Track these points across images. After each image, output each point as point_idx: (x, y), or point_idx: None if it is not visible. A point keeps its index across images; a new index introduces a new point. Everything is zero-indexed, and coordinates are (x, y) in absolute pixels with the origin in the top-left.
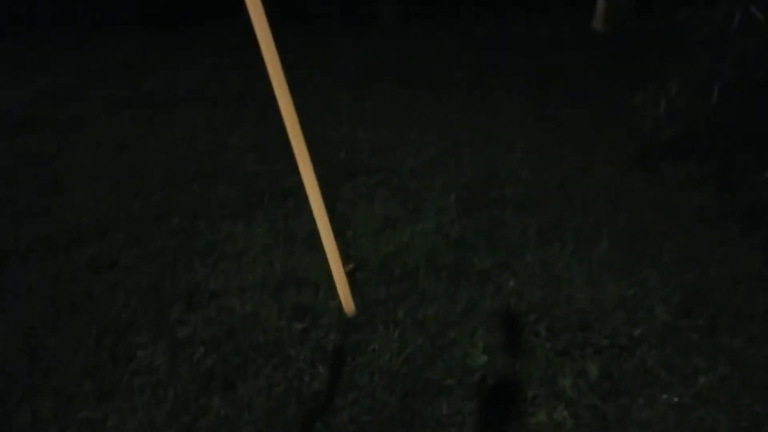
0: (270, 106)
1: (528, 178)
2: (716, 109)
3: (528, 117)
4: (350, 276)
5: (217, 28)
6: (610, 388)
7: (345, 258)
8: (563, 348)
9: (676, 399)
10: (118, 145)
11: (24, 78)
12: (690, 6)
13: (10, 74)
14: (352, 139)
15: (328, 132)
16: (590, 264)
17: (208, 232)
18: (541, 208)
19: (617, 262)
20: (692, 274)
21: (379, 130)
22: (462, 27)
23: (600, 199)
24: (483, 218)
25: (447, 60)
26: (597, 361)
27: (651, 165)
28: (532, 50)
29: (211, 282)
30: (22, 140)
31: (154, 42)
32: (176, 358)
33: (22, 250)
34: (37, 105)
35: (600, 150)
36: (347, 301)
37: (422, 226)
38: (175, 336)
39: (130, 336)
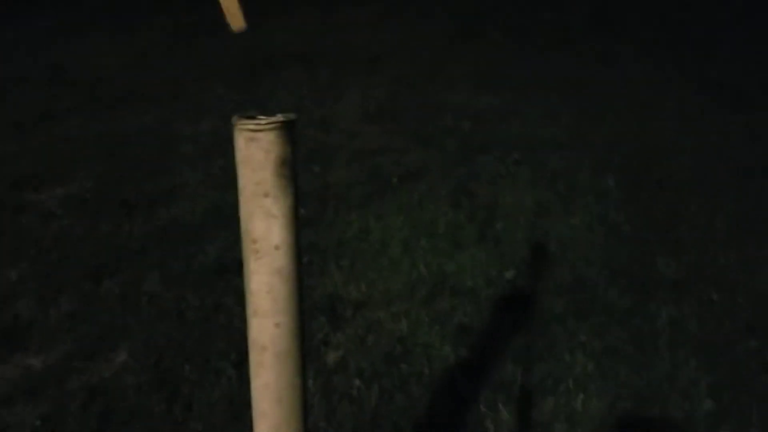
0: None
1: (695, 154)
2: None
3: (673, 74)
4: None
5: None
6: None
7: (501, 262)
8: None
9: None
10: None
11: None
12: None
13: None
14: (474, 105)
15: (443, 97)
16: None
17: (336, 223)
18: (723, 192)
19: None
20: None
21: (501, 93)
22: None
23: None
24: (654, 207)
25: (554, 4)
26: None
27: None
28: None
29: (353, 290)
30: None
31: None
32: (330, 394)
33: (137, 249)
34: None
35: None
36: None
37: (581, 215)
38: (325, 363)
39: None
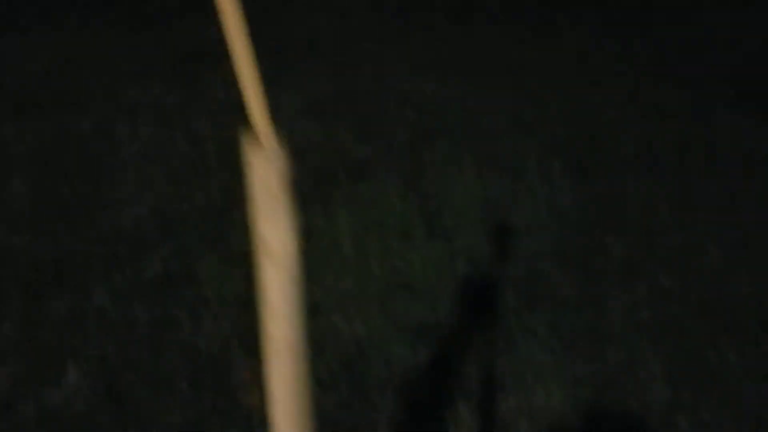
0: (316, 54)
1: (639, 135)
2: None
3: (613, 56)
4: None
5: None
6: None
7: (453, 256)
8: None
9: None
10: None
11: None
12: None
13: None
14: (419, 91)
15: (388, 83)
16: (747, 248)
17: None
18: (665, 172)
19: None
20: None
21: (446, 79)
22: None
23: (729, 159)
24: (600, 189)
25: None
26: None
27: None
28: None
29: (304, 293)
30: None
31: None
32: None
33: (80, 262)
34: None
35: (720, 96)
36: None
37: (531, 202)
38: None
39: (232, 377)
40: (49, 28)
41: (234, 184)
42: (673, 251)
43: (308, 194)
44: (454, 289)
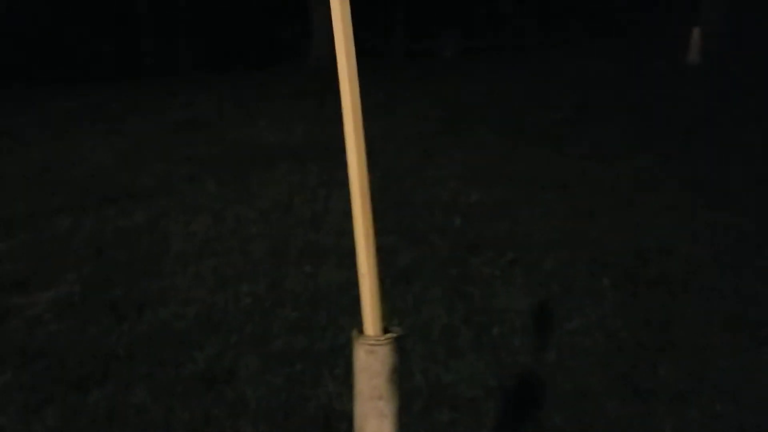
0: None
1: (689, 251)
2: None
3: (655, 168)
4: None
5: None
6: None
7: (499, 370)
8: None
9: None
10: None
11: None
12: None
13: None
14: (464, 200)
15: (432, 190)
16: None
17: (329, 328)
18: (718, 292)
19: None
20: None
21: (490, 188)
22: (532, 61)
23: None
24: (651, 308)
25: (535, 99)
26: None
27: None
28: (627, 86)
29: (347, 401)
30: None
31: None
32: None
33: (125, 358)
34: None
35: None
36: None
37: (578, 319)
38: None
39: None
40: (108, 128)
41: (280, 284)
42: (726, 375)
43: (356, 299)
44: (500, 405)
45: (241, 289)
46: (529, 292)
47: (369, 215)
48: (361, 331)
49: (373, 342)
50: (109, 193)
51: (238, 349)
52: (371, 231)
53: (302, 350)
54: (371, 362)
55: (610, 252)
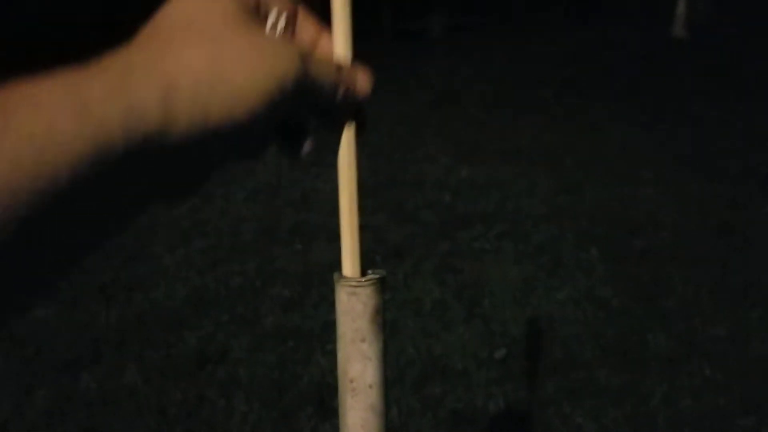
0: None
1: (675, 221)
2: None
3: (642, 141)
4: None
5: None
6: None
7: (491, 341)
8: None
9: None
10: None
11: None
12: None
13: None
14: (454, 177)
15: (423, 168)
16: None
17: (321, 306)
18: (707, 260)
19: None
20: None
21: (479, 165)
22: (521, 37)
23: None
24: (639, 278)
25: (524, 76)
26: None
27: None
28: (614, 61)
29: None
30: None
31: None
32: None
33: (116, 340)
34: None
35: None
36: None
37: (568, 290)
38: None
39: None
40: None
41: (270, 264)
42: (715, 341)
43: None
44: (492, 375)
45: (232, 269)
46: (518, 265)
47: (354, 161)
48: (342, 274)
49: (354, 283)
50: None
51: (230, 328)
52: (354, 169)
53: (294, 328)
54: (353, 304)
55: (598, 224)
